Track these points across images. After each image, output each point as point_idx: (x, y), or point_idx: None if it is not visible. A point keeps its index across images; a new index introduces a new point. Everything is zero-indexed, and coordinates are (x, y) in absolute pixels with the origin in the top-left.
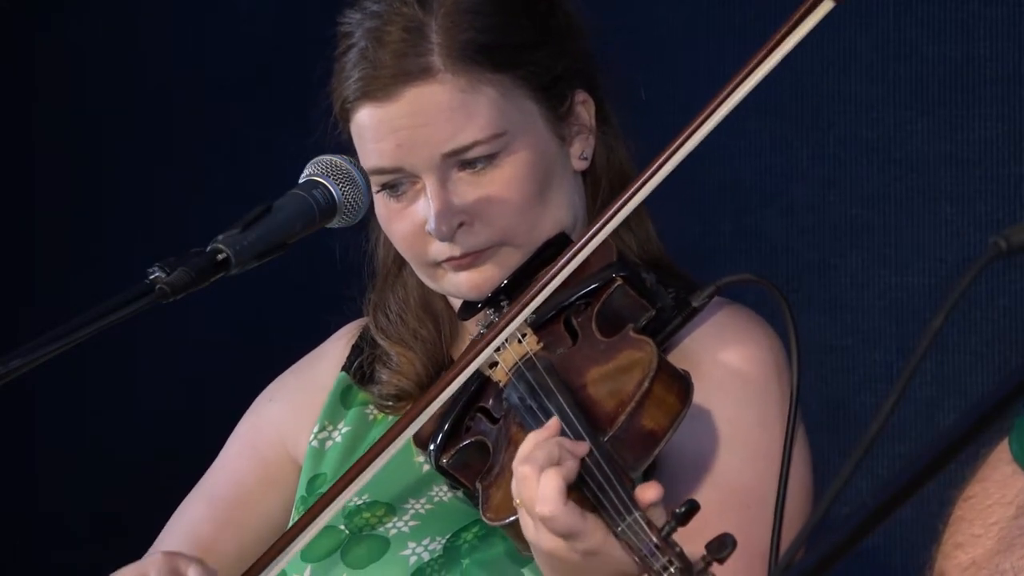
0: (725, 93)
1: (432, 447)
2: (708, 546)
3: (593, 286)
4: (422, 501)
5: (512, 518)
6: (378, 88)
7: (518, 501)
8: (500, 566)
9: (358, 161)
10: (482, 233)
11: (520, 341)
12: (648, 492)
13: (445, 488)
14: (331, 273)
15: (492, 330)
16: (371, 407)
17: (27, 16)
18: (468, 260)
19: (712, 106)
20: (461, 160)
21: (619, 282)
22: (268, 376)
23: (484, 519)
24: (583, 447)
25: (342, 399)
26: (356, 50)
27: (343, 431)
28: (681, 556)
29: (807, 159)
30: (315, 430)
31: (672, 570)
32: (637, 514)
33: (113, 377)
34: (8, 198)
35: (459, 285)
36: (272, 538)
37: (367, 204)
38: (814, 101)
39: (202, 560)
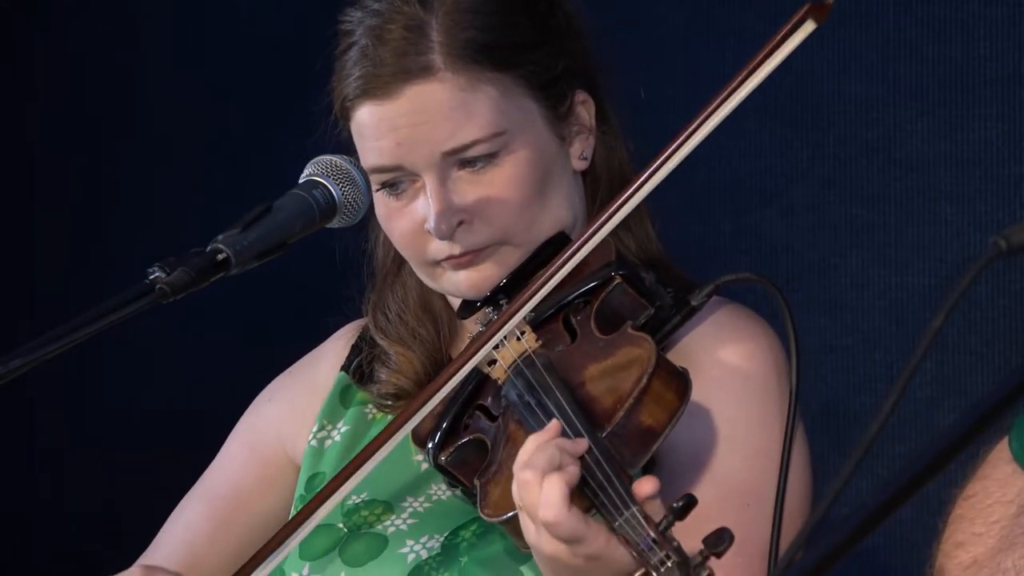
0: (709, 111)
1: (430, 445)
2: (706, 540)
3: (592, 284)
4: (420, 499)
5: (510, 514)
6: (378, 86)
7: (520, 505)
8: (499, 564)
9: (358, 161)
10: (482, 232)
11: (519, 339)
12: (645, 486)
13: (443, 486)
14: (331, 273)
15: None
16: (370, 406)
17: (27, 16)
18: (467, 259)
19: (696, 124)
20: (461, 159)
21: (618, 280)
22: (268, 376)
23: (482, 516)
24: (582, 444)
25: (341, 398)
26: (357, 48)
27: (342, 430)
28: (679, 550)
29: (807, 159)
30: (314, 429)
31: (670, 564)
32: (635, 508)
33: (113, 377)
34: (8, 198)
35: (458, 284)
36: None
37: (367, 204)
38: (814, 101)
39: (179, 574)
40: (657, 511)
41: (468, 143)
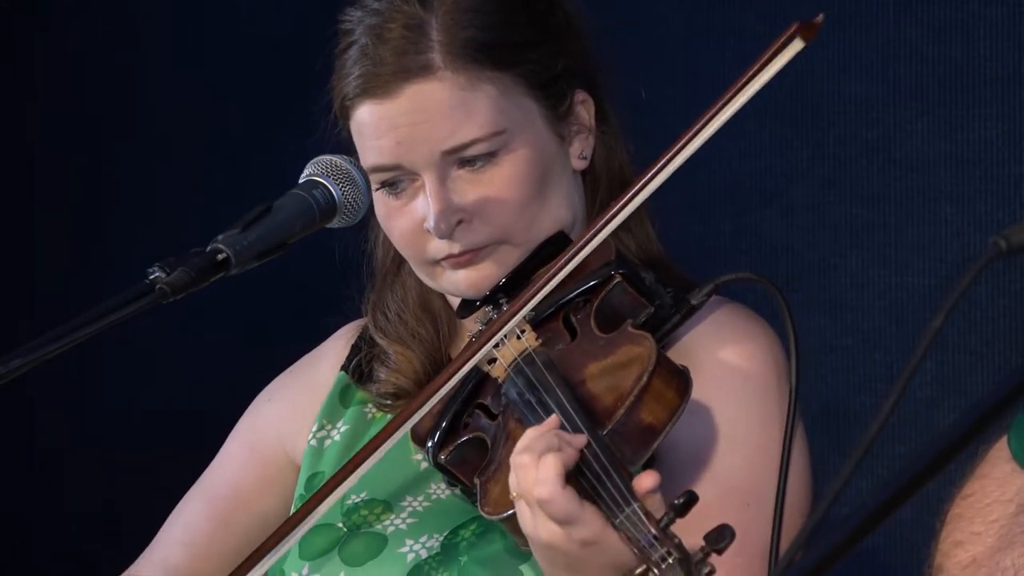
0: (694, 131)
1: (430, 444)
2: (706, 537)
3: (592, 283)
4: (420, 499)
5: (510, 512)
6: (378, 85)
7: (516, 493)
8: (498, 563)
9: (358, 161)
10: (481, 231)
11: (519, 337)
12: (645, 480)
13: (443, 485)
14: (331, 273)
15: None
16: (370, 406)
17: (27, 16)
18: (467, 258)
19: (681, 144)
20: (460, 158)
21: (618, 279)
22: (268, 376)
23: (482, 513)
24: (581, 439)
25: (341, 398)
26: (357, 47)
27: (342, 430)
28: (679, 547)
29: (807, 159)
30: (314, 429)
31: (670, 560)
32: (635, 505)
33: (113, 377)
34: (8, 198)
35: (458, 283)
36: None
37: (367, 204)
38: (814, 101)
39: None
40: (658, 507)
41: (467, 142)
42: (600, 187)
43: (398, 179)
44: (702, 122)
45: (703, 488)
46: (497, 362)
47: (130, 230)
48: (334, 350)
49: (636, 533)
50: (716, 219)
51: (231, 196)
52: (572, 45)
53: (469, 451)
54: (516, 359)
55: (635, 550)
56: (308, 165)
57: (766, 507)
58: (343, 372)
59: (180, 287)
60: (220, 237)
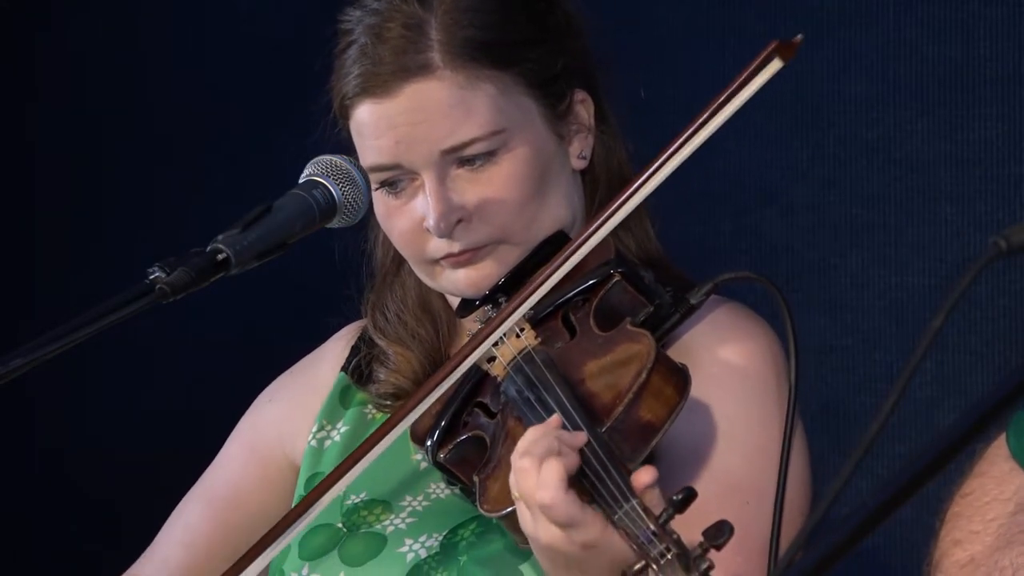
0: (670, 151)
1: (429, 442)
2: (705, 532)
3: (591, 282)
4: (419, 498)
5: (509, 509)
6: (378, 84)
7: (517, 495)
8: (498, 562)
9: (358, 161)
10: (480, 230)
11: (518, 336)
12: (643, 476)
13: (442, 485)
14: (331, 273)
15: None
16: (370, 407)
17: (27, 16)
18: (466, 257)
19: (656, 164)
20: (460, 157)
21: (617, 278)
22: (268, 376)
23: (481, 511)
24: (581, 437)
25: (341, 399)
26: (356, 47)
27: (342, 430)
28: (678, 543)
29: (807, 159)
30: (314, 430)
31: (669, 556)
32: (634, 501)
33: (113, 377)
34: (8, 198)
35: (457, 282)
36: None
37: (367, 204)
38: (814, 101)
39: None
40: (656, 503)
41: (467, 141)
42: (599, 187)
43: (397, 178)
44: (676, 145)
45: (702, 486)
46: (496, 360)
47: (130, 230)
48: (334, 351)
49: (635, 529)
50: (716, 219)
51: (231, 196)
52: (571, 44)
53: (468, 450)
54: (515, 357)
55: (634, 546)
56: (308, 165)
57: (765, 505)
58: (343, 373)
59: (180, 287)
60: (220, 237)
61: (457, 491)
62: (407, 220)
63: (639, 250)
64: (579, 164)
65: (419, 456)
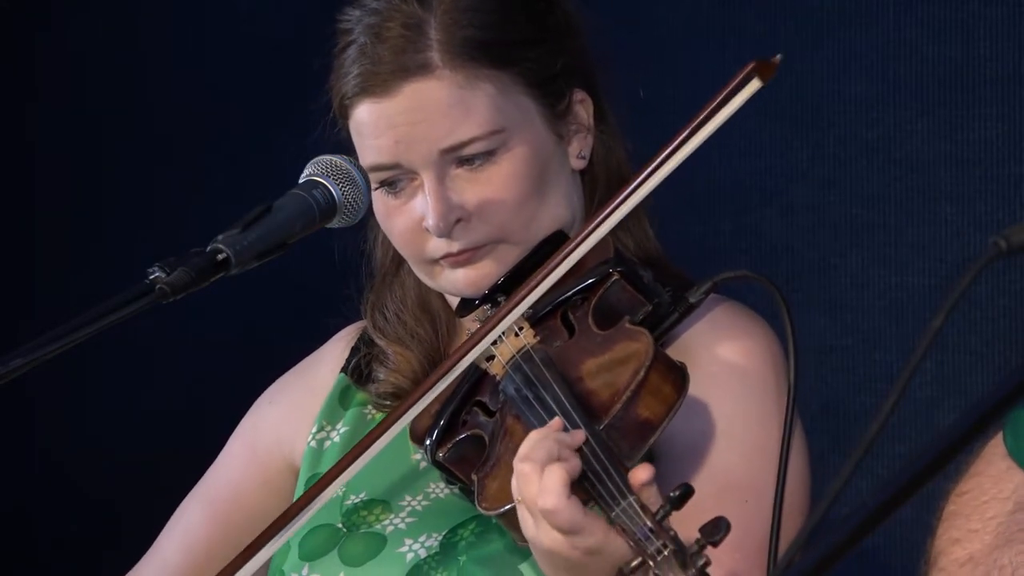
0: (648, 171)
1: (428, 441)
2: (702, 529)
3: (590, 281)
4: (419, 498)
5: (508, 507)
6: (377, 84)
7: (519, 498)
8: (498, 562)
9: (358, 161)
10: (480, 230)
11: (517, 334)
12: (640, 473)
13: (442, 484)
14: (331, 273)
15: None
16: (369, 407)
17: (27, 16)
18: (466, 257)
19: (633, 186)
20: (459, 156)
21: (616, 277)
22: (268, 376)
23: (480, 509)
24: (579, 435)
25: (340, 400)
26: (355, 46)
27: (341, 431)
28: (675, 539)
29: (807, 159)
30: (313, 431)
31: (666, 553)
32: (632, 498)
33: (113, 377)
34: (8, 198)
35: (456, 282)
36: None
37: (367, 204)
38: (814, 101)
39: None
40: (654, 500)
41: (466, 140)
42: (599, 186)
43: (397, 178)
44: (653, 165)
45: (701, 485)
46: (495, 359)
47: (130, 230)
48: (334, 352)
49: (632, 526)
50: (716, 218)
51: (231, 196)
52: (571, 44)
53: (467, 448)
54: (514, 356)
55: (631, 543)
56: (308, 165)
57: (764, 503)
58: (343, 374)
59: (180, 287)
60: (220, 237)
61: (456, 490)
62: (406, 220)
63: (638, 249)
64: (578, 164)
65: (418, 456)
